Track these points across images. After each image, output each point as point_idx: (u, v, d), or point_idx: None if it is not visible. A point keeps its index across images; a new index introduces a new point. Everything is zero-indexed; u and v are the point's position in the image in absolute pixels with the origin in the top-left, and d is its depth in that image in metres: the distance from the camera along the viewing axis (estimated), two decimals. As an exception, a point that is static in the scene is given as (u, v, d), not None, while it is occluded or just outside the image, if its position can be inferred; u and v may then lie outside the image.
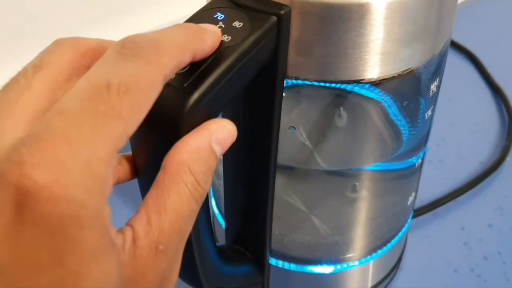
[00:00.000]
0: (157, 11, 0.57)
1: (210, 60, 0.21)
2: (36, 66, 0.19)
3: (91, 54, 0.20)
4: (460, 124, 0.53)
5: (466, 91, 0.57)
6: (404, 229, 0.36)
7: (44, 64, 0.19)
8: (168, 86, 0.20)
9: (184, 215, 0.20)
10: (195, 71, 0.21)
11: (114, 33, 0.55)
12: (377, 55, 0.24)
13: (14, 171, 0.15)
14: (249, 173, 0.30)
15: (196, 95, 0.20)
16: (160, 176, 0.20)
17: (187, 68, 0.21)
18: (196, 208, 0.20)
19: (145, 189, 0.24)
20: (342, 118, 0.29)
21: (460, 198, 0.46)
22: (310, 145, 0.30)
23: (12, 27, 0.49)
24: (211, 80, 0.21)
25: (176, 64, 0.19)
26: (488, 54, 0.60)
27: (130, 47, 0.18)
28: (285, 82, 0.25)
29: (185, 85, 0.20)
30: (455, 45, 0.61)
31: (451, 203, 0.45)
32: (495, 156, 0.50)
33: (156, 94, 0.18)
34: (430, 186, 0.45)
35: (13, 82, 0.19)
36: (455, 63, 0.60)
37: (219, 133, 0.21)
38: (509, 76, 0.58)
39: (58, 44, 0.20)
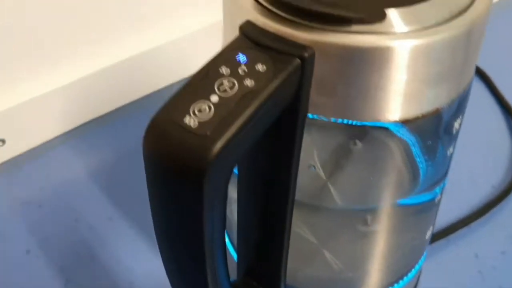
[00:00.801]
0: (162, 28, 0.56)
1: (233, 106, 0.20)
2: None
3: None
4: (472, 146, 0.52)
5: (477, 112, 0.56)
6: (420, 262, 0.36)
7: None
8: (190, 133, 0.20)
9: None
10: (218, 117, 0.20)
11: (119, 49, 0.54)
12: (400, 97, 0.23)
13: None
14: (266, 208, 0.29)
15: (220, 144, 0.20)
16: None
17: (211, 114, 0.20)
18: None
19: (164, 240, 0.23)
20: (361, 155, 0.28)
21: (473, 224, 0.45)
22: (324, 182, 0.29)
23: (20, 44, 0.48)
24: (235, 128, 0.20)
25: None
26: (501, 74, 0.60)
27: None
28: (305, 123, 0.24)
29: (208, 133, 0.20)
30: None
31: (464, 229, 0.45)
32: (507, 179, 0.49)
33: None
34: (442, 211, 0.44)
35: None
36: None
37: None
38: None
39: None
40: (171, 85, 0.58)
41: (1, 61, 0.48)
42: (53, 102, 0.52)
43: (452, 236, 0.44)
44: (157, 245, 0.24)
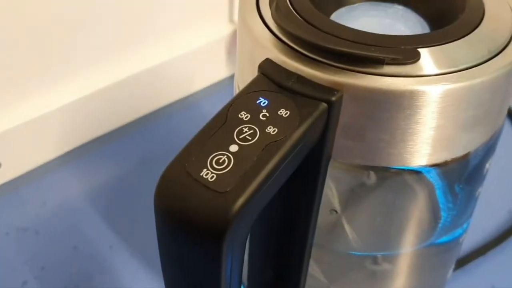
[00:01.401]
0: (162, 46, 0.55)
1: (255, 158, 0.18)
2: None
3: None
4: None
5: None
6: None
7: None
8: (208, 190, 0.18)
9: None
10: (238, 171, 0.18)
11: (117, 69, 0.53)
12: (434, 142, 0.21)
13: None
14: (282, 251, 0.27)
15: (241, 202, 0.18)
16: None
17: (230, 166, 0.18)
18: None
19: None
20: (383, 200, 0.26)
21: (489, 253, 0.43)
22: (344, 228, 0.27)
23: (16, 65, 0.47)
24: (257, 183, 0.18)
25: None
26: None
27: None
28: (328, 167, 0.22)
29: (228, 189, 0.18)
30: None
31: (480, 258, 0.43)
32: (523, 204, 0.47)
33: None
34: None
35: None
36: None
37: None
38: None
39: None
40: (171, 104, 0.57)
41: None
42: (50, 123, 0.50)
43: (468, 266, 0.42)
44: (160, 275, 0.23)
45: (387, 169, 0.23)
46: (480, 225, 0.45)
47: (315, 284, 0.31)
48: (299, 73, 0.20)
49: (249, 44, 0.22)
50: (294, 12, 0.22)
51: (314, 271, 0.30)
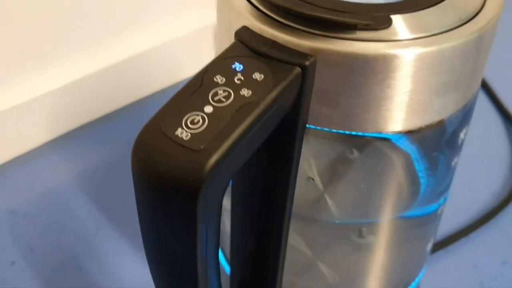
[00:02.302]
0: (153, 31, 0.55)
1: (229, 118, 0.19)
2: None
3: None
4: (471, 153, 0.51)
5: (476, 119, 0.55)
6: (420, 275, 0.34)
7: None
8: (183, 148, 0.18)
9: None
10: (212, 130, 0.19)
11: (108, 54, 0.53)
12: (407, 107, 0.22)
13: None
14: (261, 220, 0.28)
15: (215, 159, 0.18)
16: None
17: (204, 126, 0.19)
18: None
19: (154, 259, 0.22)
20: (360, 167, 0.27)
21: (472, 234, 0.44)
22: (324, 195, 0.28)
23: (5, 49, 0.47)
24: (230, 141, 0.18)
25: None
26: (501, 82, 0.59)
27: None
28: (304, 134, 0.23)
29: (202, 147, 0.18)
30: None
31: (463, 239, 0.43)
32: (507, 187, 0.48)
33: None
34: (441, 220, 0.43)
35: None
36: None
37: None
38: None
39: None
40: (163, 90, 0.57)
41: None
42: (39, 108, 0.50)
43: (451, 247, 0.43)
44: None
45: (363, 136, 0.24)
46: (463, 207, 0.46)
47: (300, 258, 0.31)
48: (274, 39, 0.21)
49: (226, 13, 0.23)
50: (270, -19, 0.22)
51: (299, 244, 0.31)
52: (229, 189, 0.28)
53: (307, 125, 0.23)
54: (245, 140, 0.19)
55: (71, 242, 0.44)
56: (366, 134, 0.23)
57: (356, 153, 0.27)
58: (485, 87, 0.58)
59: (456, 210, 0.46)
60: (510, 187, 0.47)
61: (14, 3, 0.45)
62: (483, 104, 0.57)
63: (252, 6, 0.22)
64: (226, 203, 0.29)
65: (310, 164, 0.28)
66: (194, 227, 0.19)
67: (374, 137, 0.25)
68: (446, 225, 0.44)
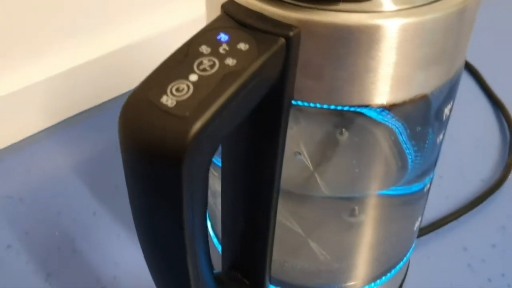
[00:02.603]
0: (148, 21, 0.55)
1: (214, 85, 0.19)
2: None
3: None
4: (461, 139, 0.52)
5: (466, 105, 0.56)
6: (408, 254, 0.35)
7: None
8: (167, 114, 0.19)
9: None
10: (197, 97, 0.19)
11: (104, 42, 0.53)
12: (390, 79, 0.22)
13: None
14: (250, 197, 0.28)
15: (199, 125, 0.19)
16: None
17: (189, 93, 0.19)
18: None
19: (142, 228, 0.22)
20: (348, 143, 0.28)
21: (462, 218, 0.44)
22: (312, 171, 0.29)
23: (1, 37, 0.47)
24: (215, 108, 0.19)
25: None
26: (490, 67, 0.59)
27: None
28: (290, 109, 0.23)
29: (187, 113, 0.19)
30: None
31: (453, 222, 0.44)
32: (497, 173, 0.48)
33: None
34: (431, 204, 0.43)
35: None
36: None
37: None
38: (510, 89, 0.57)
39: None
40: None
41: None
42: (36, 95, 0.51)
43: (441, 230, 0.43)
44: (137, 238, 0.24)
45: (350, 113, 0.24)
46: (454, 192, 0.47)
47: (292, 238, 0.32)
48: (260, 11, 0.21)
49: (214, -13, 0.23)
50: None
51: (291, 223, 0.31)
52: (220, 172, 0.28)
53: (293, 101, 0.23)
54: (230, 107, 0.19)
55: (66, 226, 0.45)
56: (351, 109, 0.24)
57: (344, 131, 0.28)
58: (475, 74, 0.59)
59: (446, 194, 0.46)
60: (499, 173, 0.48)
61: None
62: (473, 92, 0.58)
63: (238, -20, 0.22)
64: (219, 187, 0.29)
65: (299, 142, 0.29)
66: (180, 192, 0.20)
67: (361, 113, 0.25)
68: (437, 209, 0.45)
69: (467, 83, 0.59)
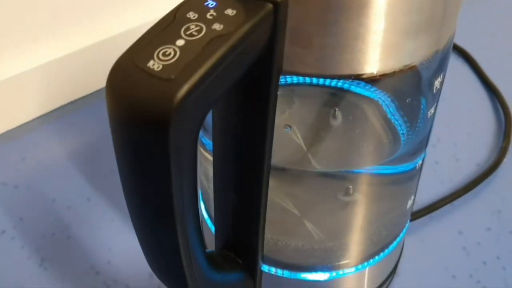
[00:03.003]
0: (144, 7, 0.55)
1: (200, 49, 0.19)
2: None
3: None
4: (456, 124, 0.52)
5: (461, 91, 0.56)
6: (402, 234, 0.35)
7: None
8: (154, 78, 0.19)
9: None
10: (184, 60, 0.19)
11: (100, 29, 0.53)
12: (379, 47, 0.22)
13: None
14: (241, 174, 0.28)
15: (185, 88, 0.18)
16: None
17: (176, 57, 0.19)
18: None
19: (132, 200, 0.22)
20: (338, 118, 0.28)
21: (457, 201, 0.44)
22: (304, 146, 0.29)
23: (6, 21, 0.47)
24: (202, 72, 0.19)
25: None
26: (484, 53, 0.59)
27: None
28: (280, 79, 0.23)
29: (173, 76, 0.19)
30: (449, 45, 0.60)
31: (447, 206, 0.44)
32: (492, 157, 0.48)
33: None
34: (426, 188, 0.43)
35: None
36: (450, 62, 0.58)
37: None
38: (505, 75, 0.57)
39: None
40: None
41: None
42: (31, 82, 0.51)
43: (435, 213, 0.43)
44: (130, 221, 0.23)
45: (338, 87, 0.24)
46: (448, 176, 0.47)
47: (286, 217, 0.32)
48: (248, -22, 0.21)
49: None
50: None
51: (284, 203, 0.31)
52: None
53: (282, 70, 0.23)
54: (217, 72, 0.19)
55: (61, 212, 0.45)
56: (340, 84, 0.24)
57: (336, 110, 0.28)
58: (470, 61, 0.59)
59: (441, 179, 0.46)
60: (494, 157, 0.48)
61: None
62: (468, 78, 0.58)
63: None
64: (211, 169, 0.29)
65: (292, 118, 0.29)
66: (167, 158, 0.20)
67: (351, 89, 0.25)
68: (432, 193, 0.45)
69: (462, 70, 0.59)
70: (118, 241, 0.42)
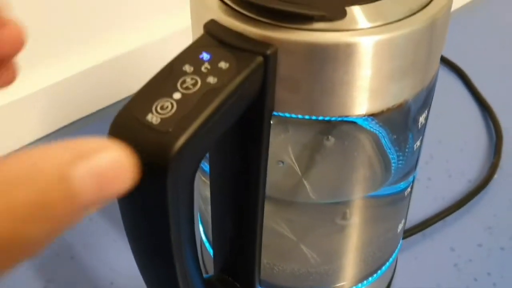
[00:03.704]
0: (144, 29, 0.57)
1: (196, 102, 0.21)
2: None
3: None
4: (448, 141, 0.53)
5: (454, 107, 0.57)
6: (394, 255, 0.36)
7: None
8: (153, 131, 0.20)
9: None
10: (180, 113, 0.20)
11: (100, 51, 0.55)
12: (365, 92, 0.24)
13: None
14: (237, 203, 0.29)
15: (182, 140, 0.20)
16: None
17: (173, 111, 0.20)
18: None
19: (132, 238, 0.24)
20: (331, 150, 0.29)
21: (448, 218, 0.46)
22: (299, 178, 0.30)
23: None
24: (197, 124, 0.20)
25: None
26: (476, 69, 0.60)
27: None
28: (271, 119, 0.25)
29: (170, 129, 0.20)
30: (442, 60, 0.61)
31: (439, 223, 0.45)
32: (483, 174, 0.50)
33: None
34: (418, 205, 0.45)
35: None
36: (442, 78, 0.60)
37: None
38: (497, 92, 0.58)
39: None
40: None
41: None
42: (33, 104, 0.52)
43: (428, 230, 0.45)
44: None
45: (332, 121, 0.25)
46: (440, 193, 0.48)
47: (282, 242, 0.33)
48: (240, 31, 0.23)
49: (196, 7, 0.25)
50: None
51: (281, 228, 0.33)
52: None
53: (274, 112, 0.25)
54: (211, 122, 0.21)
55: (64, 233, 0.46)
56: (331, 119, 0.25)
57: (329, 138, 0.29)
58: (463, 77, 0.60)
59: (434, 195, 0.48)
60: (485, 174, 0.49)
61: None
62: (460, 94, 0.59)
63: (220, 1, 0.24)
64: (208, 192, 0.31)
65: (285, 150, 0.30)
66: (165, 204, 0.21)
67: (343, 121, 0.26)
68: (424, 209, 0.46)
69: (455, 86, 0.60)
70: (121, 262, 0.43)
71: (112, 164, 0.16)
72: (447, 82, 0.60)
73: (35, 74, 0.52)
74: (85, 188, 0.16)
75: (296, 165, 0.31)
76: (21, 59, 0.51)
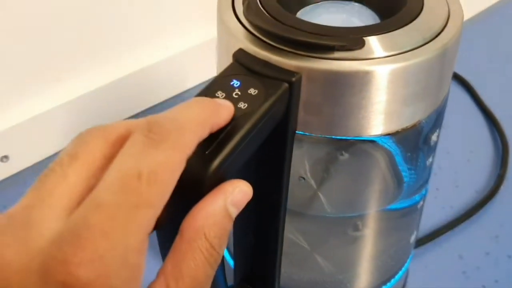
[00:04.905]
0: (158, 45, 0.59)
1: (229, 127, 0.23)
2: (71, 156, 0.20)
3: (121, 141, 0.21)
4: (456, 152, 0.55)
5: (461, 119, 0.59)
6: (406, 264, 0.38)
7: (79, 154, 0.20)
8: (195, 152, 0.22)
9: (200, 280, 0.20)
10: (215, 138, 0.22)
11: (120, 66, 0.57)
12: (381, 115, 0.26)
13: (60, 270, 0.17)
14: (259, 218, 0.31)
15: (217, 162, 0.22)
16: (177, 241, 0.21)
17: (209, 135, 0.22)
18: (211, 272, 0.21)
19: (165, 250, 0.26)
20: (346, 165, 0.31)
21: (457, 228, 0.47)
22: (317, 193, 0.32)
23: (22, 62, 0.50)
24: (230, 147, 0.22)
25: (197, 142, 0.20)
26: (483, 82, 0.62)
27: (156, 131, 0.19)
28: (294, 139, 0.26)
29: (206, 152, 0.22)
30: (449, 73, 0.63)
31: (449, 232, 0.47)
32: (490, 184, 0.51)
33: (180, 173, 0.20)
34: (428, 215, 0.46)
35: (49, 171, 0.20)
36: (451, 91, 0.62)
37: (235, 195, 0.22)
38: (503, 105, 0.60)
39: (90, 133, 0.21)
40: (170, 99, 0.61)
41: (5, 79, 0.50)
42: (56, 118, 0.54)
43: (437, 240, 0.46)
44: (160, 256, 0.27)
45: (349, 139, 0.27)
46: (449, 203, 0.50)
47: (299, 251, 0.35)
48: (266, 59, 0.25)
49: (225, 37, 0.27)
50: (263, 9, 0.26)
51: (298, 239, 0.34)
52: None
53: (296, 131, 0.27)
54: (243, 145, 0.23)
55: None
56: (348, 138, 0.27)
57: (345, 154, 0.31)
58: (469, 89, 0.62)
59: (442, 205, 0.49)
60: (492, 184, 0.51)
61: (28, 19, 0.49)
62: (466, 106, 0.61)
63: (247, 31, 0.26)
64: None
65: (304, 165, 0.32)
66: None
67: (360, 140, 0.28)
68: (433, 219, 0.48)
69: (462, 98, 0.62)
70: (145, 272, 0.45)
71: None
72: (454, 95, 0.62)
73: (57, 88, 0.54)
74: None
75: (313, 180, 0.32)
76: (44, 74, 0.53)
